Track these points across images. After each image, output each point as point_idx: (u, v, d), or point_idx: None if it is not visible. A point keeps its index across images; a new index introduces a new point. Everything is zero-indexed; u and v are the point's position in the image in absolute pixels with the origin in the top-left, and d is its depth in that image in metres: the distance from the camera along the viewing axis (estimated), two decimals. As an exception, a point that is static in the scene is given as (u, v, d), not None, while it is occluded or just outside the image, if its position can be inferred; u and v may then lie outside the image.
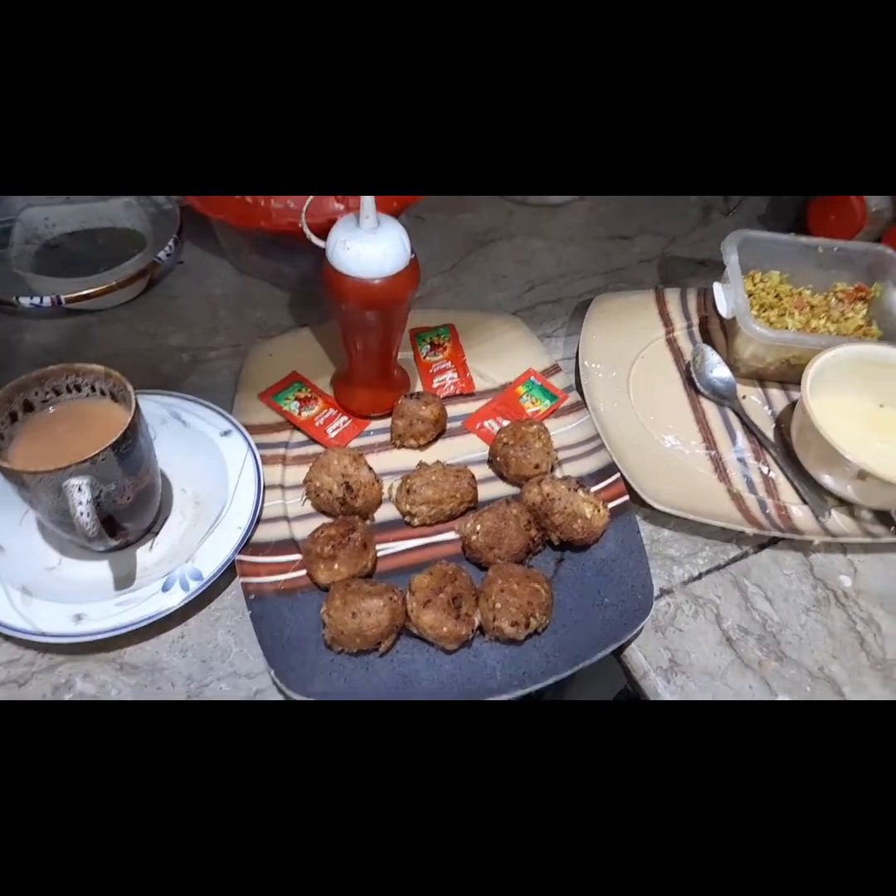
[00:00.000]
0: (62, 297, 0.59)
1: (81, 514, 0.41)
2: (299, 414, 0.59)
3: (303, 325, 0.69)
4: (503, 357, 0.65)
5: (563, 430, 0.60)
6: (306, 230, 0.50)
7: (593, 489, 0.55)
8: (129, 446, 0.44)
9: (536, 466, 0.55)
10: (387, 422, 0.60)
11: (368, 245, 0.48)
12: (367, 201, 0.47)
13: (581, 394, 0.62)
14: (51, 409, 0.47)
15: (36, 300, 0.59)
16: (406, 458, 0.58)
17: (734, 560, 0.54)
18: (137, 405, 0.45)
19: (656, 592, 0.51)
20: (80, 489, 0.41)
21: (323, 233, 0.50)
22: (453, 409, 0.61)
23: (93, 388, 0.47)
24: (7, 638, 0.46)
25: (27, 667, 0.45)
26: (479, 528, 0.50)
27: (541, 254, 0.80)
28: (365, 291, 0.49)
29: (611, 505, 0.54)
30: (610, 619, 0.48)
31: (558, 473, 0.57)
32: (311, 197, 0.49)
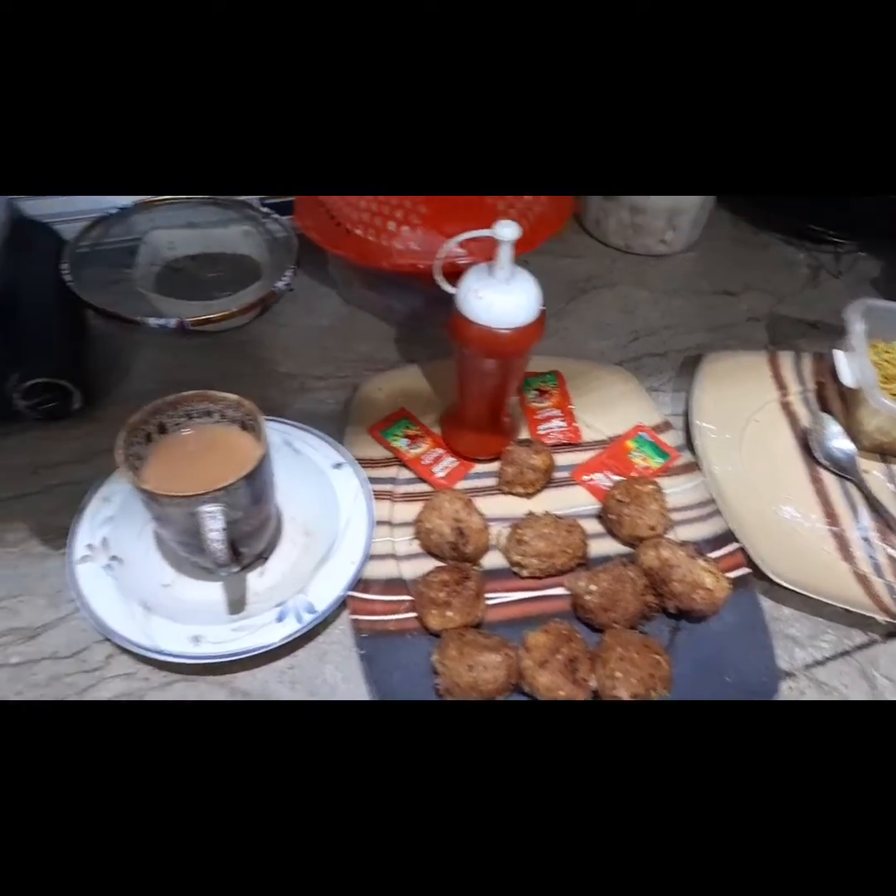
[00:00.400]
0: (186, 320, 0.61)
1: (214, 540, 0.41)
2: (407, 451, 0.59)
3: (410, 361, 0.69)
4: (611, 409, 0.64)
5: (675, 491, 0.58)
6: (439, 277, 0.50)
7: (710, 557, 0.53)
8: (259, 477, 0.44)
9: (652, 528, 0.53)
10: (492, 465, 0.59)
11: (501, 296, 0.48)
12: (505, 253, 0.47)
13: (693, 453, 0.60)
14: (182, 432, 0.47)
15: (162, 322, 0.60)
16: (512, 505, 0.57)
17: (861, 647, 0.51)
18: (267, 437, 0.45)
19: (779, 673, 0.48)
20: (213, 517, 0.41)
21: (443, 276, 0.50)
22: (559, 459, 0.60)
23: (223, 415, 0.48)
24: (125, 650, 0.46)
25: (143, 682, 0.45)
26: (593, 587, 0.49)
27: (645, 304, 0.79)
28: (491, 340, 0.49)
29: (730, 576, 0.51)
30: (731, 700, 0.46)
31: (672, 536, 0.55)
32: (448, 244, 0.49)
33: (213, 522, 0.41)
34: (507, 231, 0.46)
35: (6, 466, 0.57)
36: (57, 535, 0.52)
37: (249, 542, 0.48)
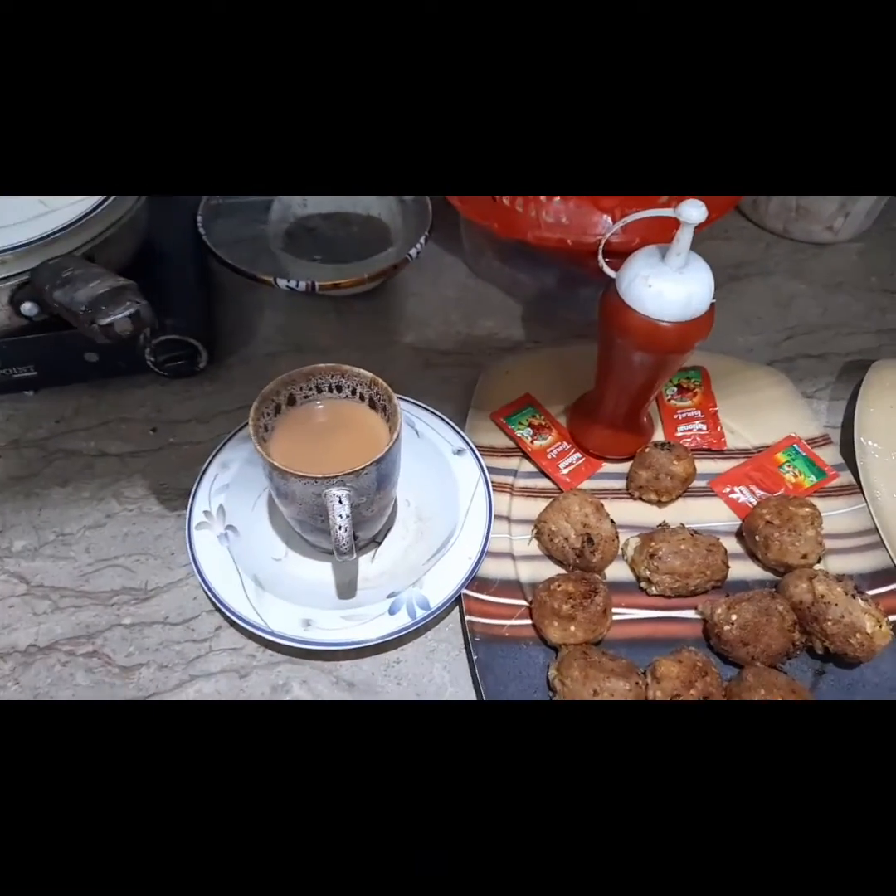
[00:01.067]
0: (316, 284, 0.59)
1: (340, 527, 0.39)
2: (532, 442, 0.55)
3: (535, 343, 0.65)
4: (761, 415, 0.58)
5: (830, 515, 0.51)
6: (601, 258, 0.45)
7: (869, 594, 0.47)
8: (389, 462, 0.42)
9: (804, 556, 0.47)
10: (622, 466, 0.55)
11: (674, 285, 0.42)
12: (685, 236, 0.42)
13: (854, 474, 0.54)
14: (312, 405, 0.46)
15: (292, 283, 0.59)
16: (642, 513, 0.53)
17: None
18: (401, 421, 0.42)
19: (937, 738, 0.42)
20: (340, 501, 0.40)
21: (588, 256, 0.46)
22: (698, 466, 0.55)
23: (353, 392, 0.46)
24: (233, 624, 0.45)
25: (249, 658, 0.45)
26: (734, 618, 0.44)
27: (802, 299, 0.71)
28: (654, 333, 0.44)
29: (892, 619, 0.45)
30: (884, 763, 0.41)
31: (822, 567, 0.49)
32: (619, 222, 0.44)
33: (341, 507, 0.39)
34: (694, 212, 0.40)
35: (128, 420, 0.57)
36: (174, 495, 0.52)
37: (368, 526, 0.46)
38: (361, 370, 0.45)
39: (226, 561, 0.46)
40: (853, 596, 0.44)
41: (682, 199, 0.41)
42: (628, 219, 0.44)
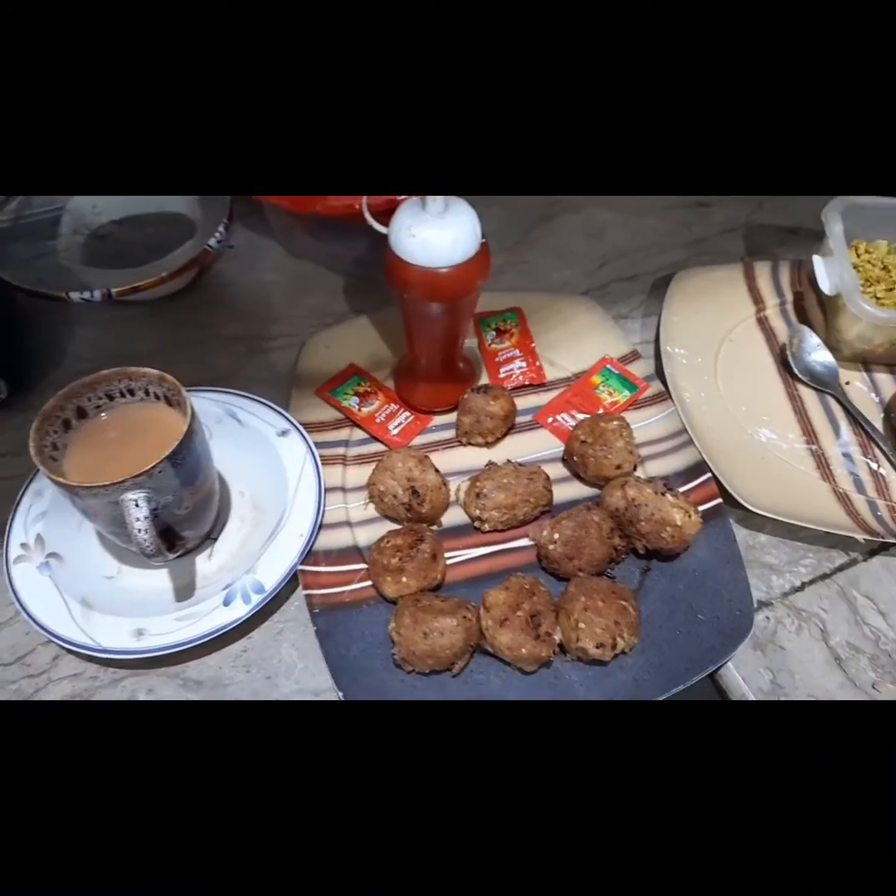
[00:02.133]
0: (112, 291, 0.57)
1: (139, 530, 0.39)
2: (359, 410, 0.56)
3: (359, 313, 0.65)
4: (576, 343, 0.60)
5: (644, 424, 0.55)
6: (367, 215, 0.45)
7: (681, 491, 0.50)
8: (186, 456, 0.41)
9: (618, 467, 0.50)
10: (451, 417, 0.56)
11: (436, 231, 0.43)
12: (434, 180, 0.42)
13: (663, 382, 0.57)
14: (104, 415, 0.44)
15: (86, 295, 0.57)
16: (473, 457, 0.54)
17: (841, 568, 0.49)
18: (193, 411, 0.42)
19: (754, 605, 0.46)
20: (136, 504, 0.39)
21: (382, 215, 0.46)
22: (522, 402, 0.57)
23: (147, 393, 0.45)
24: (69, 651, 0.44)
25: (91, 680, 0.44)
26: (556, 536, 0.46)
27: (613, 227, 0.74)
28: (432, 281, 0.45)
29: (702, 508, 0.49)
30: (705, 637, 0.44)
31: (641, 473, 0.52)
32: (371, 177, 0.44)
33: (138, 511, 0.39)
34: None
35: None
36: (-8, 534, 0.50)
37: (190, 525, 0.46)
38: (147, 369, 0.44)
39: (48, 590, 0.45)
40: (663, 494, 0.47)
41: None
42: (380, 174, 0.44)
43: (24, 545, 0.46)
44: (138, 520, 0.39)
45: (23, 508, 0.48)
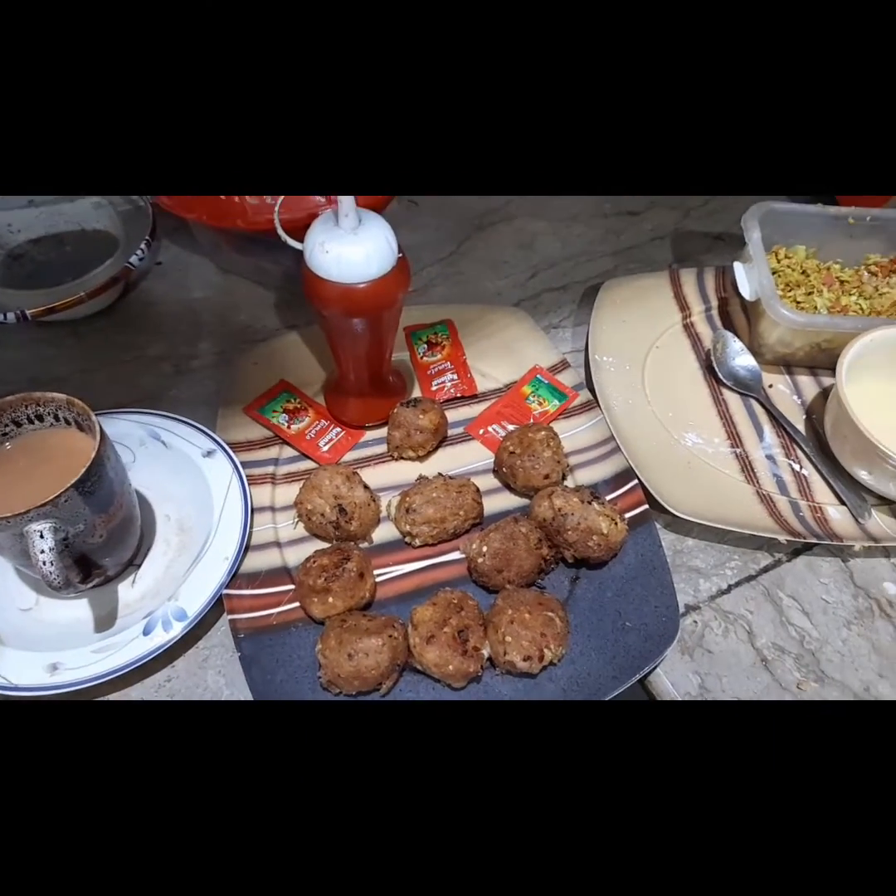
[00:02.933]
0: (27, 312, 0.55)
1: (44, 562, 0.37)
2: (288, 427, 0.55)
3: (290, 328, 0.64)
4: (506, 353, 0.60)
5: (573, 432, 0.55)
6: (280, 231, 0.45)
7: (609, 498, 0.50)
8: (95, 483, 0.40)
9: (546, 476, 0.50)
10: (383, 432, 0.56)
11: (350, 247, 0.43)
12: (346, 198, 0.42)
13: (592, 391, 0.57)
14: (8, 444, 0.43)
15: (0, 316, 0.55)
16: (405, 471, 0.54)
17: (766, 569, 0.50)
18: (103, 436, 0.41)
19: (682, 609, 0.47)
20: (41, 535, 0.37)
21: (301, 232, 0.45)
22: (454, 414, 0.57)
23: (56, 418, 0.43)
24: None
25: (2, 722, 0.42)
26: (485, 549, 0.46)
27: (543, 236, 0.75)
28: (349, 297, 0.45)
29: (629, 515, 0.49)
30: (632, 645, 0.44)
31: (570, 482, 0.53)
32: (282, 196, 0.44)
33: (42, 542, 0.37)
34: (343, 173, 0.41)
35: None
36: None
37: (108, 552, 0.44)
38: (54, 394, 0.42)
39: (-43, 626, 0.43)
40: (589, 503, 0.47)
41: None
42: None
43: (-70, 581, 0.44)
44: (43, 551, 0.37)
45: (-70, 542, 0.46)
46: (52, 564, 0.37)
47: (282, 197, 0.44)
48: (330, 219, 0.44)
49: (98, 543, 0.42)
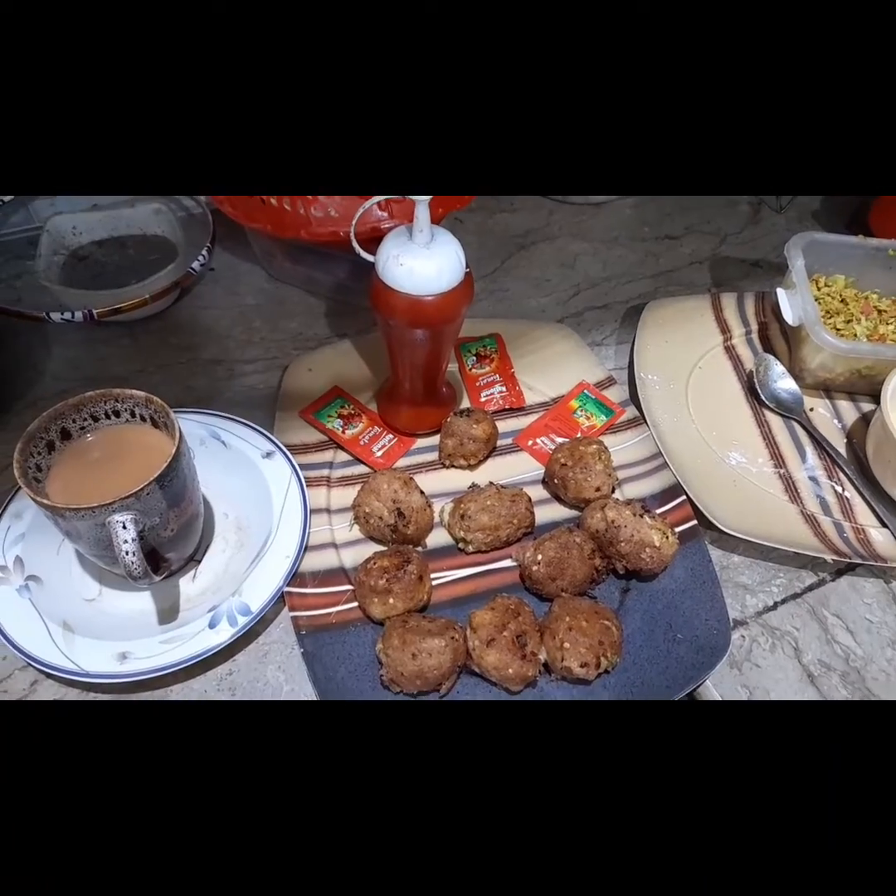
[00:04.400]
0: (94, 312, 0.57)
1: (127, 552, 0.38)
2: (343, 432, 0.56)
3: (341, 336, 0.66)
4: (553, 368, 0.62)
5: (621, 447, 0.56)
6: (355, 244, 0.47)
7: (658, 512, 0.51)
8: (173, 478, 0.41)
9: (597, 489, 0.51)
10: (434, 439, 0.57)
11: (423, 261, 0.45)
12: (422, 214, 0.44)
13: (638, 407, 0.59)
14: (89, 436, 0.44)
15: (67, 315, 0.56)
16: (456, 479, 0.55)
17: (811, 588, 0.51)
18: (181, 434, 0.42)
19: (730, 624, 0.48)
20: (124, 526, 0.39)
21: (365, 242, 0.47)
22: (503, 425, 0.58)
23: (132, 414, 0.45)
24: (49, 675, 0.44)
25: (70, 708, 0.43)
26: (540, 558, 0.47)
27: (585, 256, 0.77)
28: (417, 309, 0.46)
29: (678, 530, 0.50)
30: (684, 657, 0.45)
31: (619, 495, 0.54)
32: (361, 208, 0.45)
33: (125, 533, 0.39)
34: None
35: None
36: (-28, 556, 0.49)
37: (174, 546, 0.45)
38: (134, 391, 0.44)
39: (28, 612, 0.44)
40: (641, 515, 0.48)
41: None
42: (370, 202, 0.45)
43: (2, 568, 0.45)
44: (126, 542, 0.39)
45: (0, 530, 0.47)
46: (133, 555, 0.39)
47: (361, 210, 0.46)
48: (403, 233, 0.46)
49: (168, 537, 0.44)
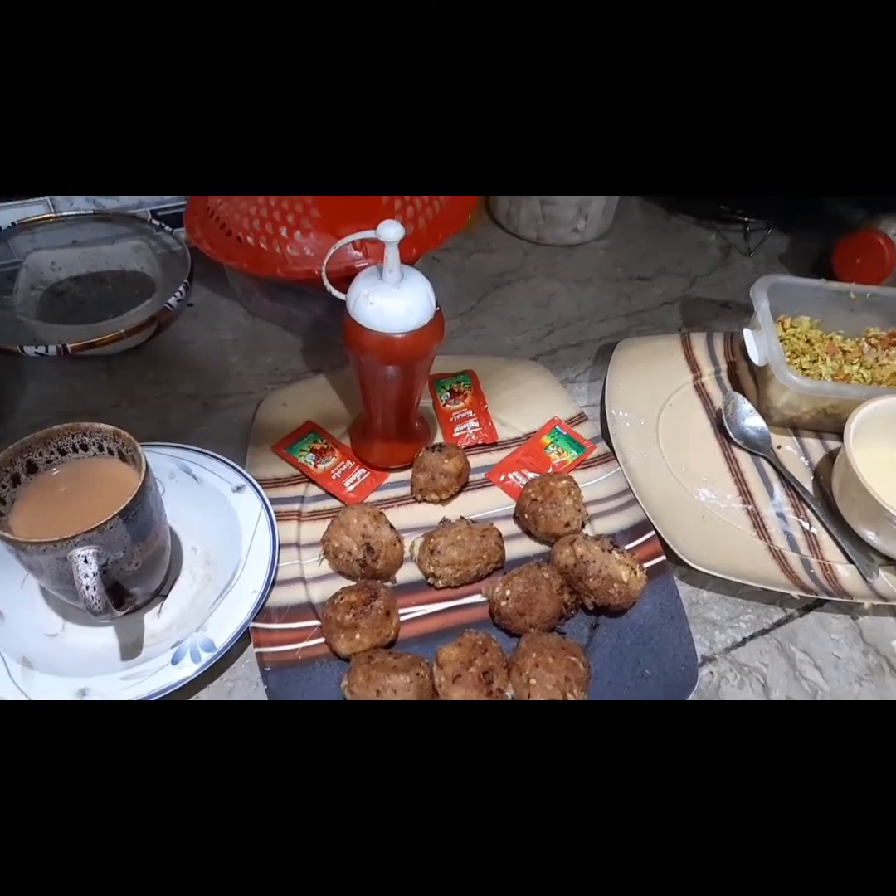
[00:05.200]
0: (68, 346, 0.57)
1: (87, 587, 0.38)
2: (315, 466, 0.57)
3: (316, 371, 0.66)
4: (526, 405, 0.63)
5: (592, 483, 0.57)
6: (326, 283, 0.47)
7: (627, 547, 0.52)
8: (139, 511, 0.41)
9: (567, 524, 0.52)
10: (407, 474, 0.57)
11: (392, 300, 0.46)
12: (391, 254, 0.45)
13: (609, 443, 0.60)
14: (55, 470, 0.44)
15: (41, 349, 0.57)
16: (427, 513, 0.55)
17: (779, 624, 0.51)
18: (148, 468, 0.42)
19: (698, 660, 0.48)
20: (85, 560, 0.38)
21: (340, 281, 0.48)
22: (475, 460, 0.58)
23: (100, 448, 0.45)
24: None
25: (24, 749, 0.42)
26: (508, 593, 0.47)
27: (559, 296, 0.78)
28: (388, 346, 0.47)
29: (647, 565, 0.50)
30: (652, 693, 0.45)
31: (589, 530, 0.54)
32: (333, 248, 0.46)
33: (87, 567, 0.38)
34: (390, 231, 0.43)
35: None
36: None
37: (139, 581, 0.45)
38: (102, 424, 0.44)
39: (-14, 649, 0.43)
40: (609, 551, 0.49)
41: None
42: (341, 242, 0.46)
43: (-39, 604, 0.45)
44: (87, 576, 0.38)
45: (-39, 566, 0.47)
46: (94, 589, 0.38)
47: (332, 249, 0.47)
48: (374, 273, 0.47)
49: (132, 571, 0.43)
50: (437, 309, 0.48)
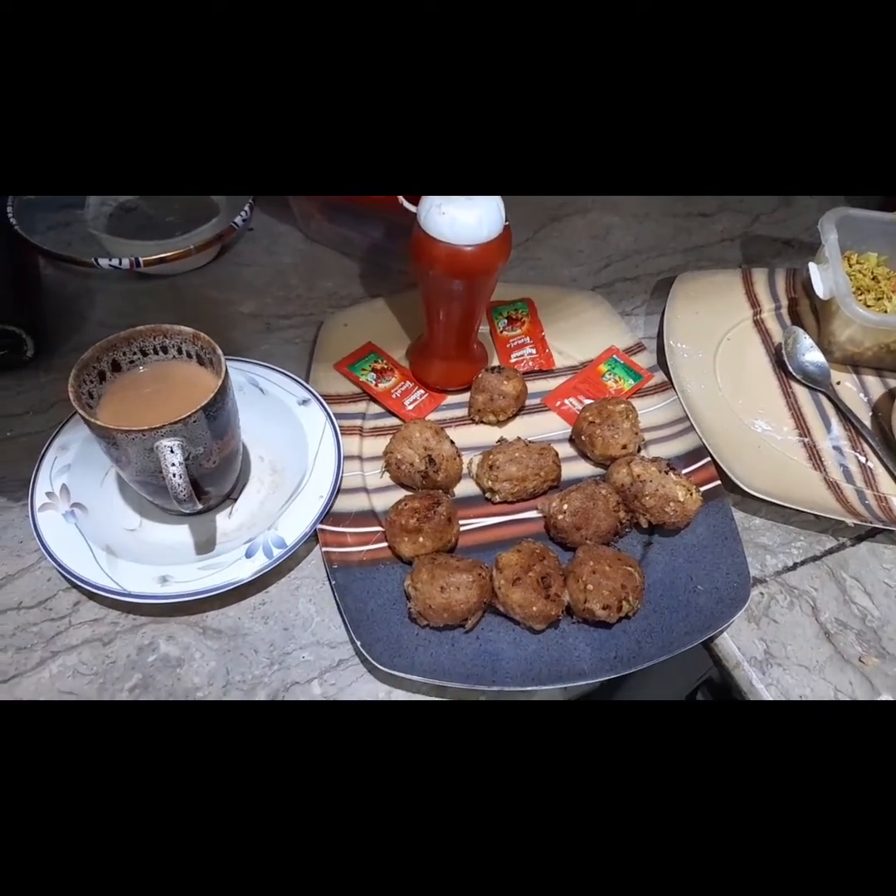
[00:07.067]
0: (140, 260, 0.59)
1: (174, 475, 0.40)
2: (376, 385, 0.58)
3: (373, 296, 0.67)
4: (583, 334, 0.63)
5: (648, 411, 0.57)
6: (401, 197, 0.48)
7: (683, 472, 0.52)
8: (219, 409, 0.43)
9: (624, 447, 0.52)
10: (464, 396, 0.58)
11: (465, 210, 0.46)
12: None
13: (666, 373, 0.60)
14: (139, 369, 0.46)
15: (115, 262, 0.58)
16: (484, 434, 0.56)
17: (830, 551, 0.52)
18: (227, 370, 0.44)
19: (750, 580, 0.49)
20: (172, 451, 0.40)
21: (395, 204, 0.49)
22: (532, 386, 0.59)
23: (179, 351, 0.46)
24: (92, 596, 0.46)
25: (111, 626, 0.45)
26: (566, 507, 0.48)
27: (617, 230, 0.77)
28: (457, 258, 0.47)
29: (702, 489, 0.51)
30: (703, 607, 0.46)
31: (644, 455, 0.55)
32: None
33: (172, 456, 0.40)
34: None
35: (-39, 418, 0.55)
36: (17, 486, 0.51)
37: (214, 481, 0.47)
38: (182, 327, 0.46)
39: (74, 536, 0.46)
40: (666, 472, 0.49)
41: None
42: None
43: (49, 494, 0.47)
44: (173, 465, 0.40)
45: (47, 461, 0.49)
46: (180, 478, 0.40)
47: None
48: (447, 184, 0.47)
49: (210, 469, 0.45)
50: (507, 224, 0.49)
